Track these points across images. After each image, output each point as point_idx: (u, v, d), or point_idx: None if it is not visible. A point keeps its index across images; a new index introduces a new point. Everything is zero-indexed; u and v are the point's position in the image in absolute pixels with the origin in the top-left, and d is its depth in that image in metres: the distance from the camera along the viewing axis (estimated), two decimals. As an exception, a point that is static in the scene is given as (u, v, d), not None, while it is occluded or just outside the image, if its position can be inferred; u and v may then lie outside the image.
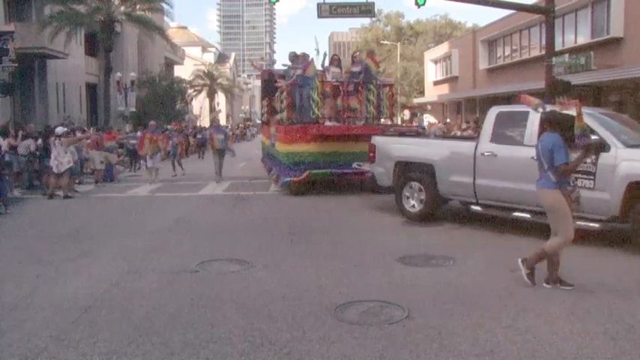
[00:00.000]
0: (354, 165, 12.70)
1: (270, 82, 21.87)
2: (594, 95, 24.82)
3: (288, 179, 13.97)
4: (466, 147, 9.73)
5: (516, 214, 8.94)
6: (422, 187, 10.26)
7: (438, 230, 9.57)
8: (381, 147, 11.35)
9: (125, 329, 5.01)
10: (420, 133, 14.85)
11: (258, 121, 66.88)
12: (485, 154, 9.18)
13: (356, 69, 14.99)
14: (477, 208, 9.58)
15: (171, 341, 4.73)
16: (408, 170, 10.72)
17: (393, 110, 15.32)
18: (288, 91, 14.90)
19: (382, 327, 5.01)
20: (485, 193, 9.33)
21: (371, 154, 11.54)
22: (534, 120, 8.27)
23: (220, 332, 4.92)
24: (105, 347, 4.63)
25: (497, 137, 9.20)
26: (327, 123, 14.34)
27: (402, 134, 12.45)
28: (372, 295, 5.88)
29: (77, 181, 16.39)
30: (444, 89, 43.90)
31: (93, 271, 7.02)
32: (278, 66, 23.88)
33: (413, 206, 10.41)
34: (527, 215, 8.74)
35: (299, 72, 14.65)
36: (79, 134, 18.06)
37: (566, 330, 4.88)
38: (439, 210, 10.49)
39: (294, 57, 15.94)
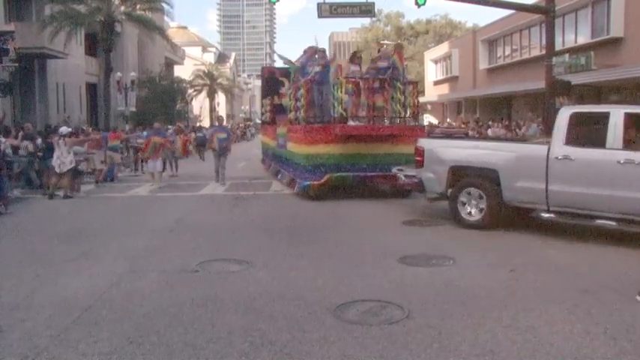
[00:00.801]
0: (394, 170, 11.74)
1: (272, 81, 21.39)
2: (594, 95, 24.82)
3: (308, 183, 12.98)
4: (536, 150, 9.05)
5: (600, 221, 8.31)
6: (482, 194, 9.46)
7: (438, 230, 9.57)
8: (432, 150, 10.30)
9: (125, 329, 5.02)
10: (471, 135, 14.15)
11: (258, 121, 66.86)
12: (560, 157, 8.48)
13: (382, 64, 13.90)
14: (549, 215, 8.87)
15: (172, 341, 4.73)
16: (465, 175, 9.84)
17: (417, 110, 14.31)
18: (307, 89, 13.88)
19: (382, 327, 5.01)
20: (559, 200, 8.64)
21: (418, 159, 10.53)
22: (617, 122, 8.02)
23: (220, 332, 4.92)
24: (105, 347, 4.63)
25: (573, 140, 8.54)
26: (351, 123, 13.17)
27: (449, 136, 11.58)
28: (372, 295, 5.88)
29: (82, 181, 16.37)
30: (444, 89, 43.91)
31: (93, 270, 7.02)
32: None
33: (470, 214, 9.60)
34: (612, 223, 8.18)
35: (317, 68, 13.97)
36: (81, 136, 18.08)
37: (566, 330, 4.88)
38: (500, 217, 9.44)
39: (311, 53, 15.24)
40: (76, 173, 15.06)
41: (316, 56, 14.84)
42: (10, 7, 28.09)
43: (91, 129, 23.61)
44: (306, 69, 14.77)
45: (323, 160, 13.01)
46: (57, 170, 14.20)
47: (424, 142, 10.72)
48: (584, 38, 25.31)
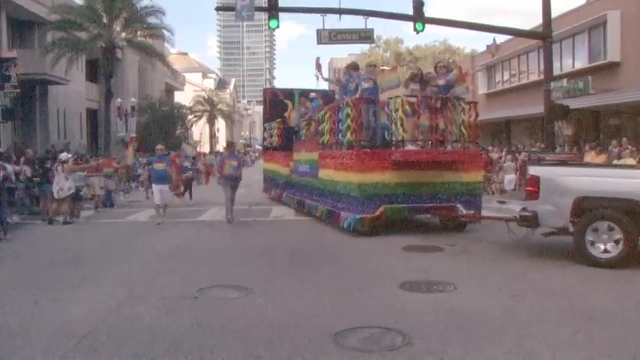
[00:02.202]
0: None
1: (275, 103, 21.02)
2: (593, 119, 24.97)
3: (359, 217, 11.32)
4: None
5: None
6: (613, 227, 8.34)
7: (438, 256, 9.54)
8: (551, 180, 9.04)
9: (124, 355, 4.97)
10: (586, 162, 12.71)
11: (258, 147, 66.95)
12: None
13: (442, 82, 12.48)
14: None
15: (171, 368, 4.69)
16: (593, 207, 8.63)
17: (477, 132, 12.75)
18: (357, 109, 11.98)
19: (383, 353, 4.97)
20: None
21: (531, 189, 9.26)
22: None
23: (220, 359, 4.88)
24: (103, 375, 4.58)
25: None
26: (409, 147, 11.69)
27: (562, 163, 10.25)
28: (373, 321, 5.84)
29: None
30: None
31: (92, 296, 6.98)
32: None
33: (605, 251, 8.37)
34: None
35: (366, 85, 12.47)
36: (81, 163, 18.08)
37: (569, 356, 4.84)
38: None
39: (352, 68, 13.56)
40: (76, 199, 15.06)
41: (362, 73, 13.24)
42: (12, 34, 28.40)
43: (88, 156, 23.60)
44: (349, 87, 13.09)
45: (377, 189, 11.47)
46: (55, 196, 14.21)
47: (539, 171, 9.35)
48: (581, 63, 25.54)
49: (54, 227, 13.71)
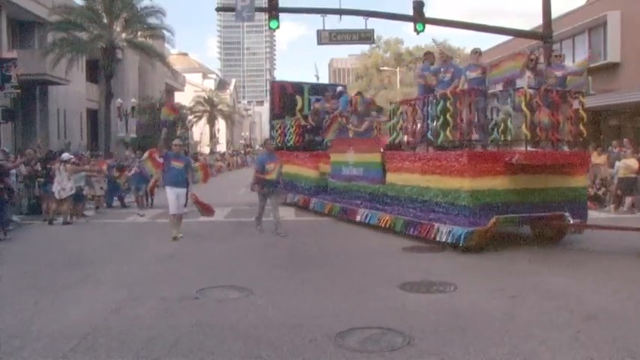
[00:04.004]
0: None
1: (286, 97, 19.57)
2: (593, 120, 24.95)
3: (469, 230, 9.56)
4: None
5: None
6: None
7: (438, 256, 9.53)
8: None
9: (124, 356, 4.97)
10: None
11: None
12: None
13: (559, 73, 11.10)
14: None
15: (171, 369, 4.68)
16: None
17: (582, 129, 10.75)
18: (466, 102, 10.41)
19: (383, 354, 4.96)
20: None
21: None
22: None
23: (220, 359, 4.88)
24: (103, 375, 4.58)
25: None
26: (521, 148, 10.15)
27: None
28: (373, 322, 5.84)
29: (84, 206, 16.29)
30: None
31: (92, 297, 6.97)
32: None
33: None
34: None
35: (472, 74, 10.94)
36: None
37: (569, 357, 4.83)
38: None
39: (445, 58, 12.04)
40: (78, 199, 15.07)
41: (469, 60, 11.57)
42: (13, 34, 28.44)
43: (87, 152, 23.56)
44: (442, 77, 11.48)
45: (490, 197, 9.84)
46: (57, 196, 14.20)
47: None
48: (581, 64, 25.50)
49: (54, 227, 13.71)
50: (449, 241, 9.82)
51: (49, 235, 12.70)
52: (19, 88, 23.13)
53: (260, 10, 20.99)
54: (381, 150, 12.62)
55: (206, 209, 12.19)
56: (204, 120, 68.88)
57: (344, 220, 13.53)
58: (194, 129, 62.83)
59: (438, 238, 10.07)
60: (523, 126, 9.77)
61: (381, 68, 62.57)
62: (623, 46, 23.11)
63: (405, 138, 12.02)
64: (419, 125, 11.51)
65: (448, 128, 10.51)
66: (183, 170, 11.74)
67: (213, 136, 71.07)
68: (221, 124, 77.33)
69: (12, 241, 11.68)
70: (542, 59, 11.46)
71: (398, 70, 59.71)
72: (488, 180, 9.81)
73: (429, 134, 11.08)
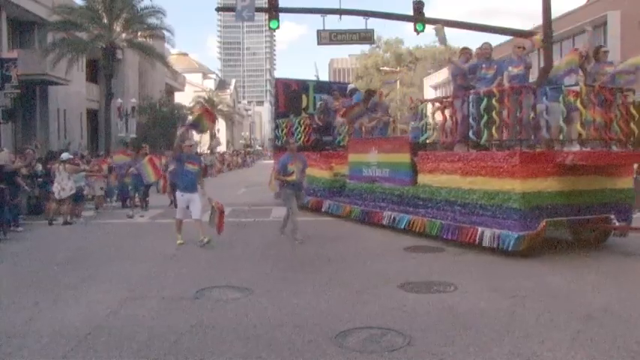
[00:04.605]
0: None
1: (291, 95, 19.03)
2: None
3: (520, 234, 9.03)
4: None
5: None
6: None
7: (439, 257, 9.52)
8: None
9: (124, 356, 4.97)
10: None
11: (259, 147, 66.90)
12: None
13: (609, 69, 10.54)
14: None
15: (171, 369, 4.68)
16: None
17: (634, 128, 10.21)
18: (508, 99, 9.78)
19: (383, 354, 4.96)
20: None
21: None
22: None
23: (220, 359, 4.87)
24: (103, 375, 4.57)
25: None
26: (573, 148, 9.75)
27: None
28: (373, 321, 5.84)
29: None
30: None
31: (92, 297, 6.97)
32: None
33: None
34: None
35: (515, 70, 10.35)
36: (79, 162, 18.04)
37: (569, 357, 4.83)
38: None
39: (484, 53, 11.22)
40: (77, 199, 15.06)
41: (512, 55, 10.89)
42: (13, 34, 28.44)
43: (86, 153, 23.56)
44: (484, 73, 10.82)
45: (541, 199, 9.33)
46: (57, 196, 14.20)
47: None
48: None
49: (54, 228, 13.70)
50: (495, 245, 9.34)
51: (49, 235, 12.69)
52: (19, 88, 23.14)
53: (260, 10, 20.94)
54: (410, 150, 12.04)
55: (219, 224, 11.02)
56: (204, 120, 68.80)
57: (352, 221, 13.52)
58: (194, 129, 62.80)
59: (481, 243, 9.61)
60: (577, 124, 9.47)
61: (381, 68, 62.62)
62: (623, 46, 23.09)
63: (439, 137, 11.43)
64: (456, 124, 10.95)
65: (494, 127, 9.92)
66: (198, 173, 11.17)
67: (213, 136, 70.98)
68: (221, 124, 77.30)
69: (12, 241, 11.69)
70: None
71: (398, 70, 59.73)
72: (539, 181, 9.33)
73: (470, 133, 10.45)
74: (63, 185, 14.20)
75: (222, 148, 72.96)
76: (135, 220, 15.06)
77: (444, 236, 10.46)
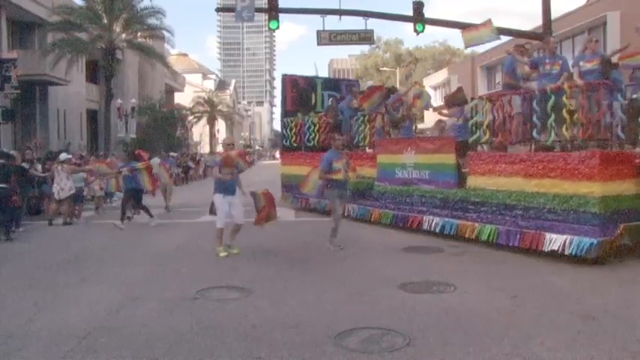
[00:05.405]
0: None
1: (300, 92, 18.20)
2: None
3: (597, 240, 8.35)
4: None
5: None
6: None
7: (438, 257, 9.52)
8: None
9: (124, 357, 4.97)
10: None
11: (258, 148, 66.94)
12: None
13: None
14: None
15: (171, 370, 4.68)
16: None
17: None
18: (583, 96, 9.20)
19: (383, 355, 4.96)
20: None
21: None
22: None
23: (220, 360, 4.87)
24: (103, 376, 4.57)
25: None
26: None
27: None
28: (373, 322, 5.83)
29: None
30: (435, 117, 44.01)
31: (92, 297, 6.97)
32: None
33: None
34: None
35: (588, 65, 9.79)
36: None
37: (569, 357, 4.83)
38: None
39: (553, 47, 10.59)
40: (77, 200, 15.06)
41: (585, 49, 10.25)
42: (13, 35, 28.44)
43: (85, 153, 23.53)
44: (548, 69, 10.23)
45: (619, 203, 8.73)
46: (56, 197, 14.20)
47: None
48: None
49: (54, 228, 13.70)
50: (567, 252, 8.65)
51: (49, 235, 12.70)
52: (18, 88, 23.15)
53: (260, 10, 20.98)
54: (456, 150, 11.42)
55: (264, 214, 10.29)
56: (203, 121, 68.89)
57: (353, 222, 13.49)
58: (194, 129, 62.87)
59: (547, 248, 8.94)
60: None
61: (381, 69, 62.63)
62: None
63: (489, 136, 10.79)
64: (513, 123, 10.35)
65: (564, 126, 9.29)
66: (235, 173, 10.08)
67: (213, 137, 71.00)
68: (221, 124, 77.34)
69: (12, 242, 11.69)
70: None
71: (397, 70, 59.73)
72: (618, 184, 8.72)
73: (534, 133, 9.82)
74: (62, 185, 14.20)
75: (221, 148, 72.91)
76: (134, 221, 15.04)
77: (500, 242, 9.78)
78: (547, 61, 10.33)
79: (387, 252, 9.93)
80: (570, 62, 10.62)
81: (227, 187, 9.79)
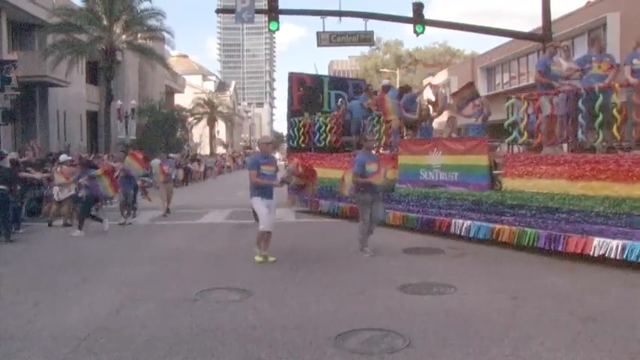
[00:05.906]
0: None
1: (308, 91, 17.67)
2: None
3: None
4: None
5: None
6: None
7: (438, 258, 9.52)
8: None
9: (124, 358, 4.97)
10: None
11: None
12: None
13: None
14: None
15: (171, 371, 4.67)
16: None
17: None
18: (637, 95, 8.93)
19: (383, 356, 4.96)
20: None
21: None
22: None
23: (220, 361, 4.87)
24: (103, 377, 4.57)
25: None
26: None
27: None
28: (373, 323, 5.83)
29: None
30: (443, 116, 44.00)
31: (92, 299, 6.97)
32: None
33: None
34: None
35: (639, 63, 9.41)
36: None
37: (570, 358, 4.83)
38: None
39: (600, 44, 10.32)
40: (77, 201, 15.01)
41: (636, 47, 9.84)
42: (13, 36, 28.46)
43: (85, 155, 23.49)
44: (596, 67, 9.94)
45: None
46: (56, 198, 14.19)
47: None
48: (581, 65, 25.50)
49: (54, 229, 13.69)
50: (622, 257, 8.19)
51: (49, 236, 12.70)
52: (19, 89, 23.14)
53: (260, 11, 21.00)
54: (488, 151, 11.05)
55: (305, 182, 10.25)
56: (203, 122, 68.87)
57: (351, 222, 13.51)
58: (194, 131, 62.85)
59: (596, 253, 8.49)
60: None
61: (381, 70, 62.64)
62: (622, 48, 23.06)
63: (527, 137, 10.39)
64: (555, 123, 10.04)
65: (615, 126, 8.88)
66: (274, 175, 9.60)
67: (213, 138, 71.00)
68: (221, 125, 77.30)
69: (12, 243, 11.67)
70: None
71: (397, 71, 59.73)
72: None
73: (579, 134, 9.47)
74: (62, 187, 14.18)
75: (221, 150, 73.01)
76: (135, 222, 15.03)
77: (541, 246, 9.32)
78: (593, 58, 10.00)
79: (387, 253, 9.91)
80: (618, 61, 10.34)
81: (265, 190, 9.39)
